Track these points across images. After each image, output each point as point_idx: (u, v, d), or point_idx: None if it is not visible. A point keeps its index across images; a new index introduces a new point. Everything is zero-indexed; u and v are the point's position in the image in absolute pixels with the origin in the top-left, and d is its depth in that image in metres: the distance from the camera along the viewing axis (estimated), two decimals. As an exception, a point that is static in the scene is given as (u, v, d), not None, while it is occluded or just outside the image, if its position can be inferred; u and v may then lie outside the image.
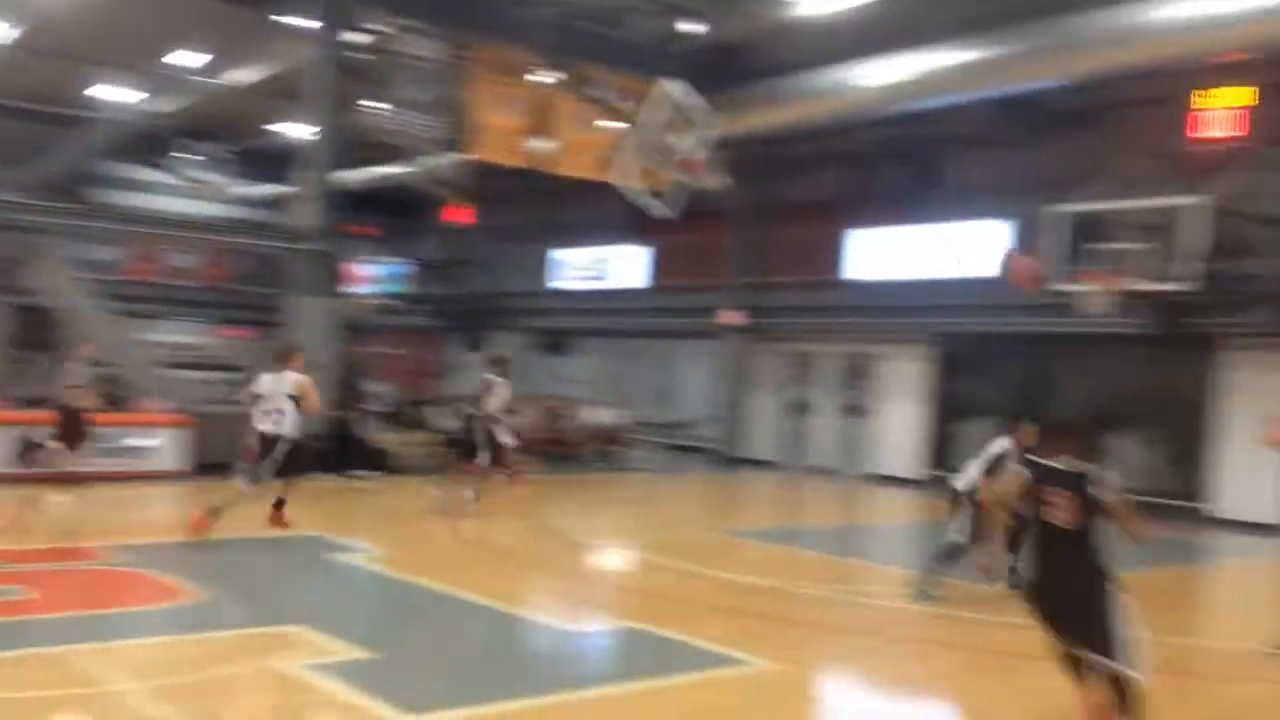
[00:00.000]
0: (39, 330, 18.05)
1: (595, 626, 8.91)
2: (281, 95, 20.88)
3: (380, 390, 20.49)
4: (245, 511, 10.35)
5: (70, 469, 12.13)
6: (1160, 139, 16.20)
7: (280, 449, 10.20)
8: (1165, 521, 16.14)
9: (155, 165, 28.62)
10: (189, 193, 28.70)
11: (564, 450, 20.33)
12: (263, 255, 22.48)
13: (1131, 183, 15.96)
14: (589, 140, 17.51)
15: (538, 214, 28.00)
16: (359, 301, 22.79)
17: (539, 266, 27.73)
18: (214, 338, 28.12)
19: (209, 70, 22.05)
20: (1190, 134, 15.66)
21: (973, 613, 9.46)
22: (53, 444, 12.17)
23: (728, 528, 13.94)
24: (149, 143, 26.91)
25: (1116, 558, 5.52)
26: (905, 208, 21.97)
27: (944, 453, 20.24)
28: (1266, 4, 13.83)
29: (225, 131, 27.34)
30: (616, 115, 15.40)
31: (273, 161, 25.52)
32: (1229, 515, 16.21)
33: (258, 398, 10.35)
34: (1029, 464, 5.82)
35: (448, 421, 17.56)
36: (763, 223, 22.73)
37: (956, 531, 9.77)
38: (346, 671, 6.69)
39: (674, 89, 14.79)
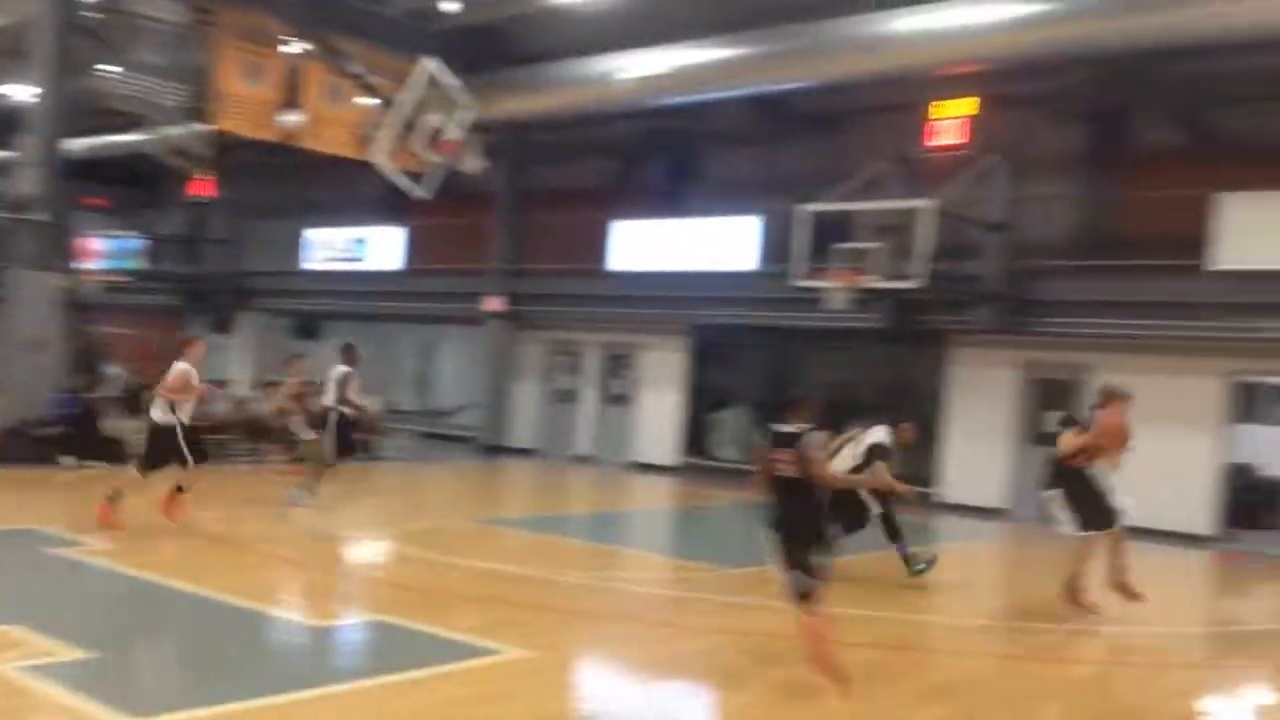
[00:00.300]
0: None
1: (343, 621, 8.61)
2: (3, 53, 19.27)
3: (115, 373, 19.18)
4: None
5: None
6: (899, 144, 17.19)
7: None
8: (900, 506, 17.21)
9: None
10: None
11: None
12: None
13: (873, 184, 16.87)
14: (343, 116, 16.96)
15: (291, 191, 26.92)
16: (89, 277, 21.24)
17: (292, 246, 26.57)
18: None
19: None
20: (925, 141, 16.68)
21: (729, 597, 9.75)
22: None
23: (486, 517, 13.82)
24: None
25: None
26: (665, 200, 22.43)
27: (700, 441, 20.82)
28: (987, 21, 14.91)
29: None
30: (372, 92, 14.93)
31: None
32: (956, 500, 17.38)
33: None
34: (771, 431, 7.19)
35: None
36: (527, 209, 22.66)
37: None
38: (65, 673, 6.19)
39: (432, 68, 14.50)
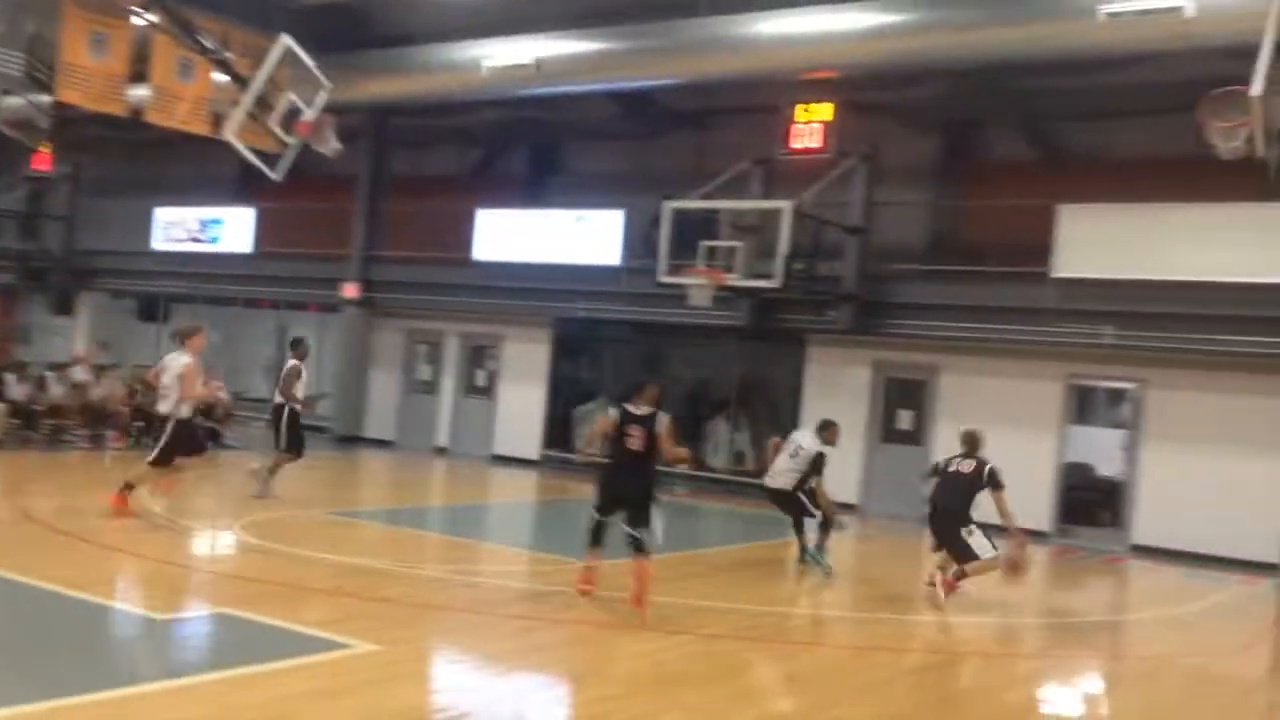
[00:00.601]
0: None
1: (183, 613, 8.28)
2: None
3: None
4: None
5: None
6: (763, 145, 17.45)
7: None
8: (759, 501, 17.50)
9: None
10: None
11: (158, 425, 18.84)
12: None
13: (736, 184, 17.09)
14: (194, 92, 16.31)
15: (141, 168, 25.85)
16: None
17: (140, 225, 25.42)
18: None
19: None
20: (788, 143, 16.97)
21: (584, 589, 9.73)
22: None
23: (338, 509, 13.48)
24: None
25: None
26: (530, 191, 22.30)
27: (562, 434, 20.78)
28: (846, 29, 15.26)
29: None
30: (226, 68, 14.40)
31: None
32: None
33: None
34: (621, 410, 8.74)
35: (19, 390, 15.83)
36: (388, 195, 22.22)
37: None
38: None
39: (290, 46, 14.08)
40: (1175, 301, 14.50)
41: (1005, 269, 15.82)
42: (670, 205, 16.23)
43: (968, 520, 10.19)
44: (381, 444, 21.77)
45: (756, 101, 18.19)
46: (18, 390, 16.98)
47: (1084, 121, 17.65)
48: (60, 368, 18.80)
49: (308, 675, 6.59)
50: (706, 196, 16.45)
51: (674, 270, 16.20)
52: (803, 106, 16.69)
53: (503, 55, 17.84)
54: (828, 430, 11.87)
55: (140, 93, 16.25)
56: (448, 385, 21.86)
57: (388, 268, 21.79)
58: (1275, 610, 12.54)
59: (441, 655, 7.72)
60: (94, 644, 7.24)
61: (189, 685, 6.21)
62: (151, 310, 26.69)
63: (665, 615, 8.62)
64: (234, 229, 24.02)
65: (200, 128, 16.53)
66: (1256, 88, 8.82)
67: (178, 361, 11.32)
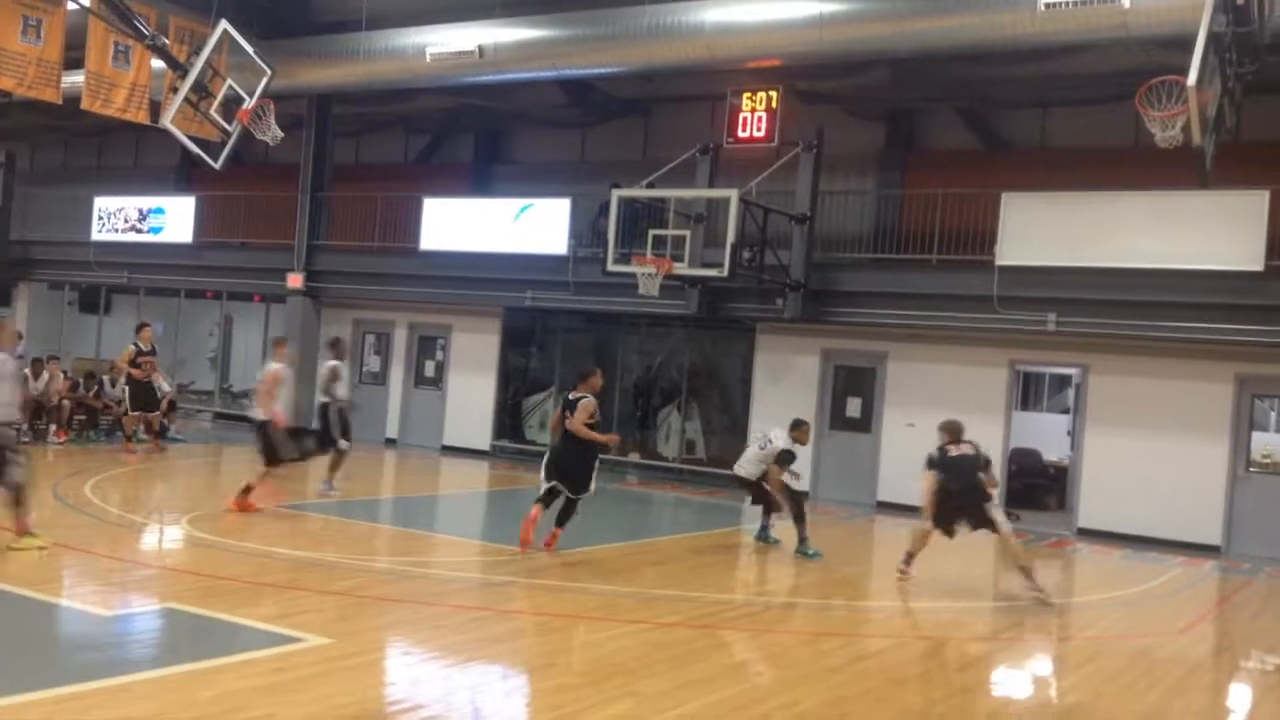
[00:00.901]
0: None
1: (130, 609, 8.14)
2: None
3: None
4: None
5: None
6: (709, 133, 17.48)
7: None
8: (710, 489, 17.57)
9: None
10: None
11: (101, 418, 18.56)
12: None
13: (683, 172, 17.09)
14: (132, 79, 16.02)
15: (80, 157, 25.33)
16: None
17: (80, 214, 24.90)
18: None
19: None
20: (734, 132, 16.99)
21: (537, 580, 9.72)
22: None
23: (286, 502, 13.33)
24: None
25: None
26: (477, 180, 22.17)
27: (512, 424, 20.72)
28: (790, 17, 15.31)
29: None
30: (163, 54, 14.12)
31: None
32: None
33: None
34: (564, 398, 10.71)
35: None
36: (333, 184, 21.95)
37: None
38: None
39: (227, 32, 13.87)
40: (1116, 288, 14.76)
41: (950, 256, 15.99)
42: (617, 194, 16.21)
43: (988, 496, 10.65)
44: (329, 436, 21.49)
45: (703, 90, 18.20)
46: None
47: (1025, 110, 17.88)
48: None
49: (258, 670, 6.51)
50: (653, 185, 16.44)
51: (622, 259, 16.18)
52: (749, 95, 16.71)
53: (447, 42, 17.68)
54: (798, 430, 12.34)
55: (76, 80, 15.94)
56: (397, 376, 21.70)
57: (333, 257, 21.54)
58: (1217, 591, 12.82)
59: (395, 648, 7.67)
60: (36, 642, 7.10)
61: (134, 681, 6.11)
62: (93, 301, 26.18)
63: (619, 604, 8.62)
64: (175, 218, 23.58)
65: (138, 116, 16.26)
66: (1192, 77, 8.97)
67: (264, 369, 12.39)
